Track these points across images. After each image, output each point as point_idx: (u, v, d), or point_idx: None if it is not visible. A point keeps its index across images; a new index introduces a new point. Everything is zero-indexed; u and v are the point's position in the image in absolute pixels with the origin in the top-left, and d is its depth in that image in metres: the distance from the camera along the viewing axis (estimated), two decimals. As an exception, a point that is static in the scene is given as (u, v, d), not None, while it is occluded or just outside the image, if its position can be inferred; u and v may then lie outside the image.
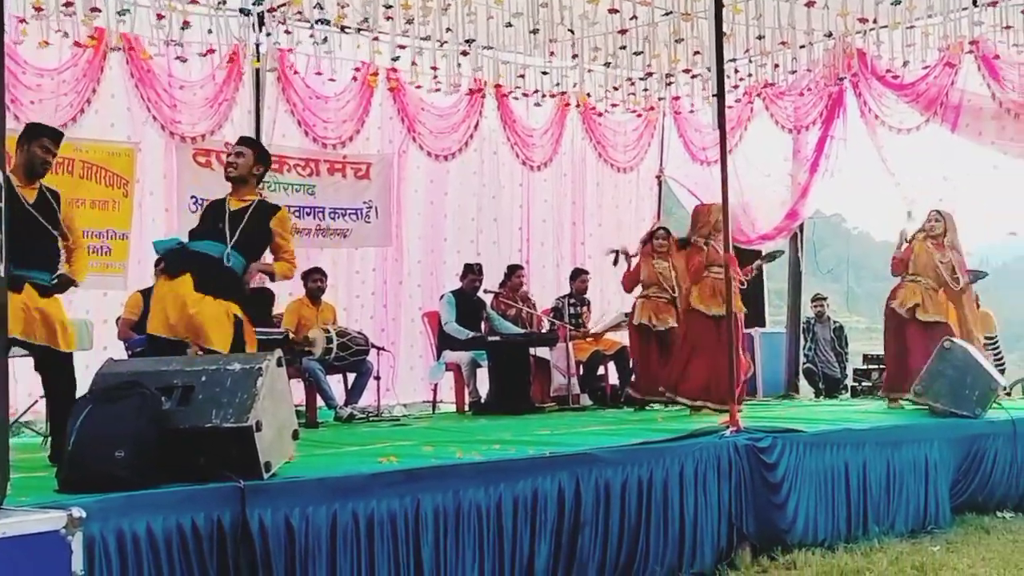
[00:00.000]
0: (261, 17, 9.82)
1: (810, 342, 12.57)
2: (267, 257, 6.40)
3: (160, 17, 8.70)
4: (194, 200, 9.59)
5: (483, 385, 9.95)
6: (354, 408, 9.10)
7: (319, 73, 10.31)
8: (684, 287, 9.14)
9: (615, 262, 10.17)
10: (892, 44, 10.28)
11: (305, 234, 10.31)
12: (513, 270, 10.78)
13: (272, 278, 6.46)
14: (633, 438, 6.24)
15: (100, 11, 8.55)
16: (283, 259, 6.26)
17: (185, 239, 6.27)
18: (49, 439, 7.12)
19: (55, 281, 5.82)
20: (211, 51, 9.48)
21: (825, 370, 12.47)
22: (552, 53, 10.70)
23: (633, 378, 9.94)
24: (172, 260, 6.00)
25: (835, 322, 12.90)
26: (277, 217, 6.18)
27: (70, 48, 9.06)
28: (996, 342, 11.04)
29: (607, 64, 11.06)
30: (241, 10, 9.54)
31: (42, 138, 5.87)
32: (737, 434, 6.40)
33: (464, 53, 10.39)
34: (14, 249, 5.25)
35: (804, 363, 12.51)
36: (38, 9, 8.29)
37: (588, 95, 12.08)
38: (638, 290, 9.75)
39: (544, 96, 11.71)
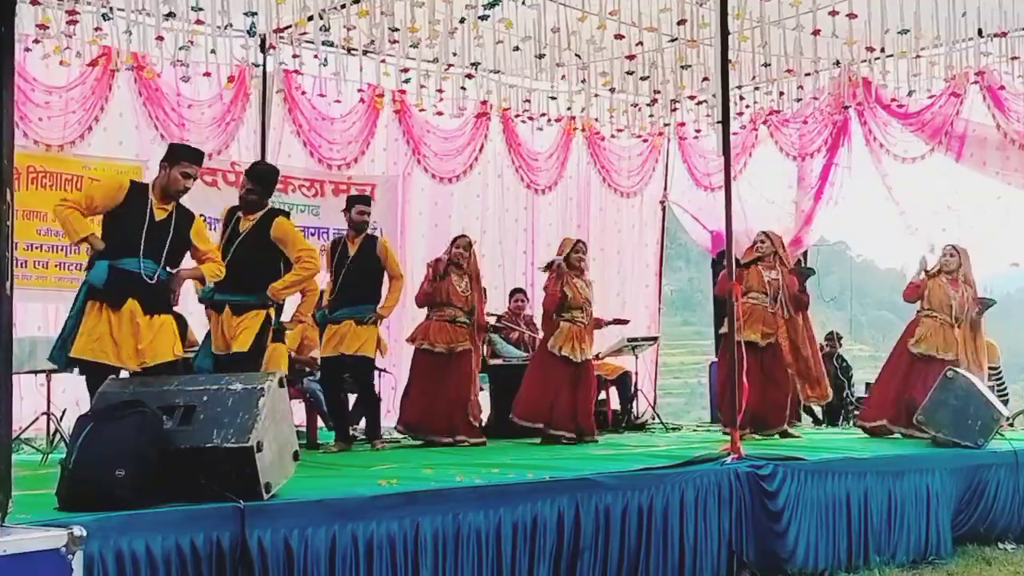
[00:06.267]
0: (264, 39, 9.88)
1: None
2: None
3: (160, 39, 8.74)
4: (202, 218, 9.59)
5: (484, 408, 9.91)
6: (355, 430, 9.06)
7: (322, 95, 10.35)
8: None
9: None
10: (898, 73, 10.31)
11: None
12: (514, 294, 10.78)
13: (203, 283, 6.46)
14: (634, 464, 6.23)
15: (102, 30, 8.59)
16: (208, 260, 6.28)
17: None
18: (49, 455, 7.16)
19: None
20: (208, 73, 9.50)
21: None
22: (563, 77, 10.75)
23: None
24: (111, 289, 5.88)
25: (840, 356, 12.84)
26: (194, 229, 6.24)
27: (79, 66, 9.11)
28: (1000, 372, 11.01)
29: (613, 89, 11.10)
30: (248, 31, 9.59)
31: (182, 162, 6.14)
32: (738, 461, 6.39)
33: (470, 76, 10.43)
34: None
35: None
36: (42, 27, 8.33)
37: (595, 120, 12.12)
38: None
39: (550, 120, 11.75)
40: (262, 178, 7.07)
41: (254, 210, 6.95)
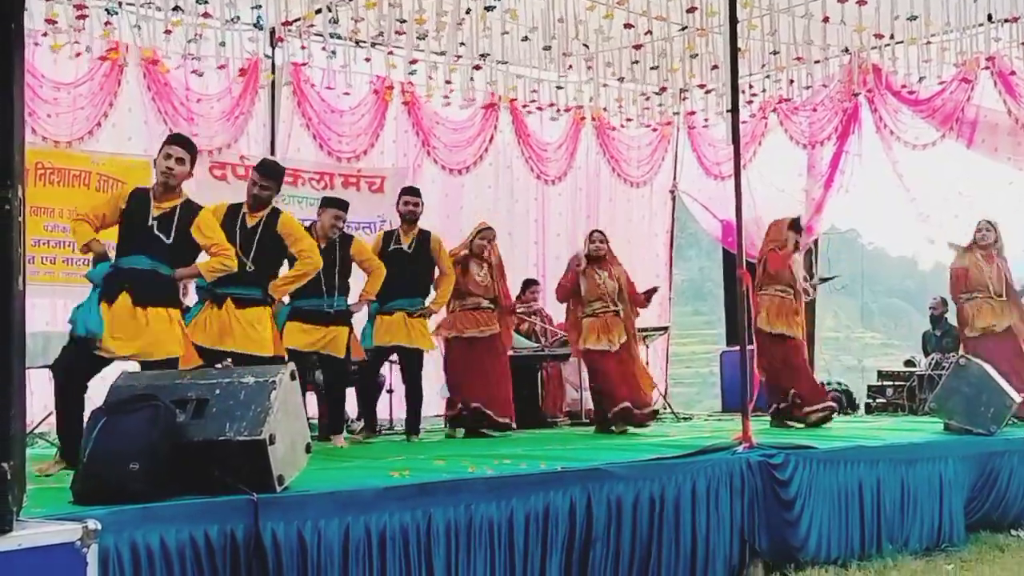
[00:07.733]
0: (273, 32, 9.88)
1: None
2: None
3: (168, 32, 8.73)
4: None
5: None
6: (352, 423, 9.07)
7: (330, 88, 10.35)
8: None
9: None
10: (908, 60, 10.28)
11: (319, 247, 10.33)
12: (528, 285, 10.77)
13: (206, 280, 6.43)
14: (645, 454, 6.23)
15: (112, 24, 8.61)
16: (213, 253, 6.16)
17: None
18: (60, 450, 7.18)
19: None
20: (223, 66, 9.51)
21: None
22: (570, 67, 10.73)
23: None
24: (107, 285, 5.87)
25: None
26: (196, 224, 6.10)
27: (87, 61, 9.12)
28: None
29: (621, 79, 11.08)
30: (255, 25, 9.60)
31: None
32: (750, 450, 6.38)
33: (478, 67, 10.42)
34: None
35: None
36: (51, 22, 8.34)
37: (605, 109, 12.11)
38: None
39: (559, 110, 11.73)
40: (274, 174, 7.07)
41: (264, 206, 6.95)
